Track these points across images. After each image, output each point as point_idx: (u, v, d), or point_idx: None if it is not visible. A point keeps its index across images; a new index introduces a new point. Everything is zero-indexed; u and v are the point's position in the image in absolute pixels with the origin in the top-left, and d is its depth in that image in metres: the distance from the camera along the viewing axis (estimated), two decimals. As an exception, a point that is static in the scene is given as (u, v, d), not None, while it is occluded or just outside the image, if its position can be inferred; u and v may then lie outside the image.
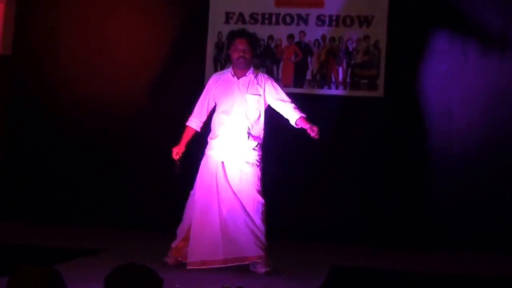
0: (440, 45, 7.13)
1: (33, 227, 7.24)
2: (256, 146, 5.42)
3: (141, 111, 7.48)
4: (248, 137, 5.38)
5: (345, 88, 7.25)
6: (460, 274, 5.80)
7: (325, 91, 7.28)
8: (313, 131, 5.26)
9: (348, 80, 7.23)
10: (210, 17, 7.41)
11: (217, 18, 7.40)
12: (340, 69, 7.26)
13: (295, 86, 7.28)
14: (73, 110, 7.62)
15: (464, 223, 7.00)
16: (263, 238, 5.29)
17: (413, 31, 7.13)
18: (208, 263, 5.24)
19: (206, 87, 5.59)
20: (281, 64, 7.34)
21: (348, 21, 7.23)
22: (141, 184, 7.45)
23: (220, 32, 7.30)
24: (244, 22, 7.34)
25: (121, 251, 5.94)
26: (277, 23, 7.33)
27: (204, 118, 5.56)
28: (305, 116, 5.38)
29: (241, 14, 7.37)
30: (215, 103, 5.52)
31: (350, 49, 7.22)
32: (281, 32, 7.33)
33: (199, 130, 5.57)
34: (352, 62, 7.23)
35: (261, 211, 5.33)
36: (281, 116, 5.52)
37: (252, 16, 7.36)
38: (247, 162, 5.36)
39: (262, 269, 5.25)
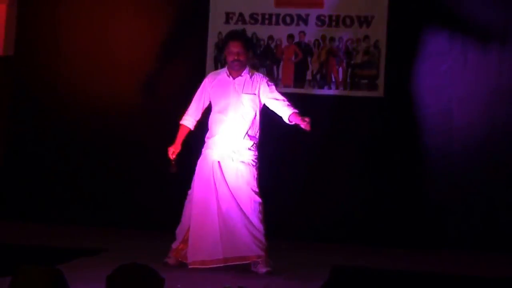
0: (440, 45, 7.13)
1: (33, 227, 7.24)
2: (252, 146, 5.42)
3: (142, 111, 7.50)
4: (244, 137, 5.39)
5: (345, 88, 7.26)
6: (460, 274, 5.80)
7: (325, 91, 7.29)
8: (304, 121, 5.20)
9: (348, 80, 7.24)
10: (210, 18, 7.42)
11: (217, 19, 7.41)
12: (340, 69, 7.27)
13: (295, 86, 7.29)
14: (74, 110, 7.62)
15: (464, 223, 7.01)
16: (262, 238, 5.29)
17: (413, 31, 7.14)
18: (208, 262, 5.24)
19: (202, 86, 5.58)
20: (281, 64, 7.35)
21: (348, 21, 7.24)
22: (141, 184, 7.46)
23: (220, 33, 7.31)
24: (244, 22, 7.34)
25: (121, 251, 5.94)
26: (277, 23, 7.34)
27: (198, 116, 5.56)
28: (297, 111, 5.35)
29: (241, 15, 7.38)
30: (210, 102, 5.53)
31: (350, 49, 7.23)
32: (281, 32, 7.33)
33: (193, 128, 5.56)
34: (352, 62, 7.24)
35: (258, 210, 5.33)
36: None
37: (252, 16, 7.37)
38: (243, 162, 5.37)
39: (262, 269, 5.26)
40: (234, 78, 5.45)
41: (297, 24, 7.31)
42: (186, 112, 5.56)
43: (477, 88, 7.08)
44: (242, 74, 5.45)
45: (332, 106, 7.26)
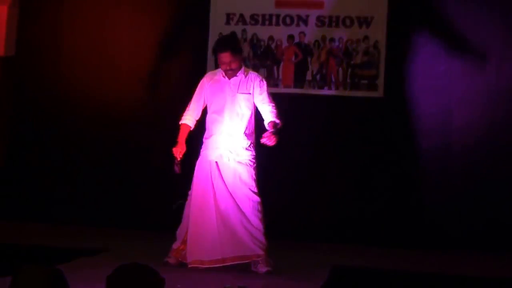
0: (439, 45, 7.14)
1: (33, 227, 7.25)
2: (249, 145, 5.43)
3: (142, 112, 7.51)
4: (241, 136, 5.40)
5: (344, 89, 7.27)
6: (460, 274, 5.81)
7: (325, 92, 7.30)
8: (269, 136, 5.20)
9: (347, 80, 7.25)
10: (211, 18, 7.43)
11: (217, 19, 7.42)
12: (340, 70, 7.27)
13: (295, 87, 7.31)
14: (75, 110, 7.63)
15: (464, 223, 7.01)
16: (261, 237, 5.29)
17: (413, 32, 7.15)
18: (207, 262, 5.25)
19: (200, 85, 5.59)
20: (281, 65, 7.36)
21: (347, 22, 7.25)
22: (141, 184, 7.47)
23: (221, 33, 7.30)
24: (244, 23, 7.36)
25: (121, 251, 5.95)
26: (277, 24, 7.35)
27: (198, 116, 5.56)
28: (277, 122, 5.36)
29: (241, 15, 7.39)
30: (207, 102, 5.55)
31: (350, 49, 7.23)
32: (281, 33, 7.35)
33: (193, 127, 5.57)
34: (352, 62, 7.25)
35: (257, 209, 5.33)
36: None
37: (252, 17, 7.38)
38: (240, 162, 5.38)
39: (263, 269, 5.26)
40: (229, 79, 5.47)
41: (297, 25, 7.32)
42: (186, 111, 5.56)
43: (476, 88, 7.09)
44: (238, 74, 5.47)
45: (332, 107, 7.27)
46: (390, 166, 7.15)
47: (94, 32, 7.67)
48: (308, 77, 7.31)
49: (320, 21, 7.29)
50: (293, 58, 7.34)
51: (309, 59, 7.31)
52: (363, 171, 7.22)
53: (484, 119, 7.05)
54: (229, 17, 7.41)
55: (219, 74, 5.54)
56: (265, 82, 5.51)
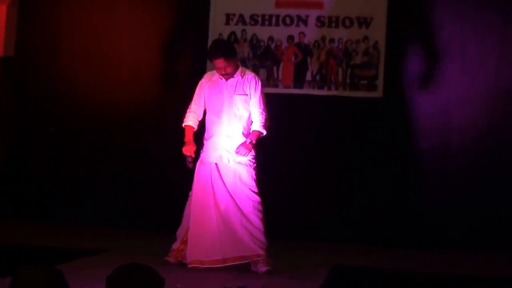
0: (439, 46, 7.14)
1: (33, 227, 7.25)
2: None
3: (142, 113, 7.50)
4: (240, 137, 5.40)
5: (344, 89, 7.27)
6: (460, 274, 5.81)
7: (325, 92, 7.30)
8: (243, 148, 5.28)
9: (347, 80, 7.25)
10: (211, 19, 7.43)
11: (217, 20, 7.42)
12: (340, 70, 7.28)
13: (295, 87, 7.31)
14: (75, 111, 7.63)
15: (463, 223, 7.01)
16: (262, 237, 5.30)
17: (412, 32, 7.15)
18: (207, 262, 5.25)
19: (199, 85, 5.58)
20: (281, 65, 7.36)
21: (347, 22, 7.25)
22: (142, 184, 7.46)
23: (220, 34, 7.33)
24: (244, 23, 7.36)
25: (121, 251, 5.95)
26: (277, 24, 7.35)
27: (200, 116, 5.55)
28: (261, 132, 5.38)
29: (241, 16, 7.39)
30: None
31: (350, 50, 7.24)
32: (281, 33, 7.35)
33: (196, 128, 5.58)
34: (352, 63, 7.25)
35: (257, 209, 5.34)
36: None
37: (252, 17, 7.38)
38: (239, 163, 5.38)
39: (263, 268, 5.26)
40: (226, 80, 5.47)
41: (297, 25, 7.33)
42: (187, 113, 5.55)
43: (476, 89, 7.09)
44: (234, 75, 5.47)
45: (332, 107, 7.27)
46: (390, 166, 7.15)
47: (93, 32, 7.67)
48: (308, 77, 7.31)
49: (320, 21, 7.29)
50: (292, 59, 7.35)
51: (308, 59, 7.31)
52: (363, 171, 7.22)
53: (483, 119, 7.06)
54: (228, 17, 7.41)
55: (217, 75, 5.54)
56: (259, 83, 5.48)
